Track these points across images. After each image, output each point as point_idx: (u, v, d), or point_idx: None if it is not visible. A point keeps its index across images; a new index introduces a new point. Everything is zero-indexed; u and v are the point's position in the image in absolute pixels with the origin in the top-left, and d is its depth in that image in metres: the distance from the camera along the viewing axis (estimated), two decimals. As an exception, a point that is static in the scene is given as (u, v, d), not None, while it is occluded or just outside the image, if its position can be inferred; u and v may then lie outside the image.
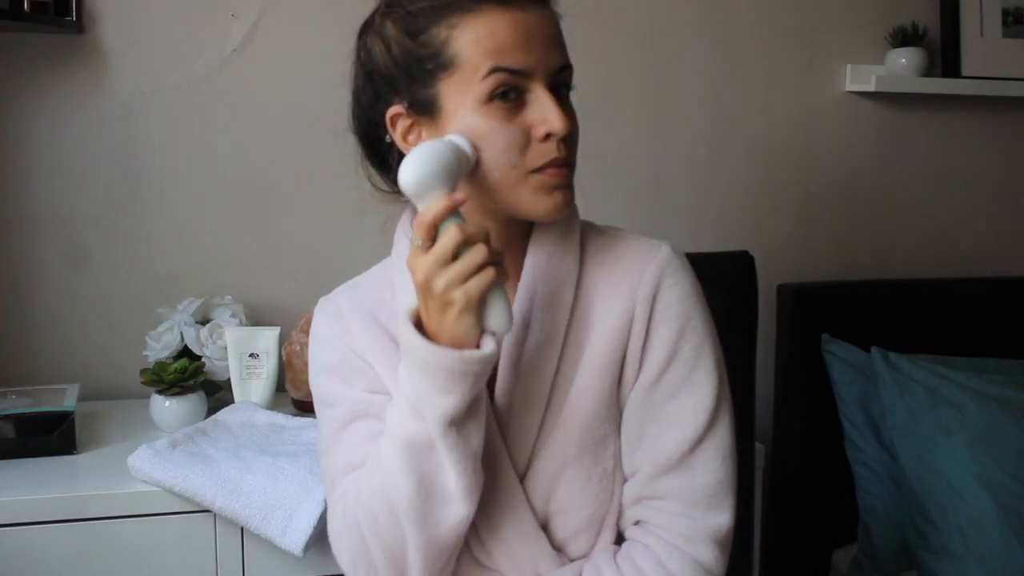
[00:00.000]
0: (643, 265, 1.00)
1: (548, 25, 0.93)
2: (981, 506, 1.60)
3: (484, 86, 0.91)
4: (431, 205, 0.85)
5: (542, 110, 0.91)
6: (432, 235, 0.85)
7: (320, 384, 1.06)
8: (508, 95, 0.91)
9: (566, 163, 0.94)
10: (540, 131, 0.92)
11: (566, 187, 0.95)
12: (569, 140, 0.94)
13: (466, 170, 0.91)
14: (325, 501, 1.27)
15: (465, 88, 0.92)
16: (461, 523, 0.94)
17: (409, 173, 0.86)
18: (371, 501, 0.96)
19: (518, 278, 1.01)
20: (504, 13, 0.90)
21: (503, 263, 0.87)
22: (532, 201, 0.94)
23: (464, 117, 0.92)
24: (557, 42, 0.94)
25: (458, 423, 0.89)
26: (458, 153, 0.89)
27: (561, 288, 1.00)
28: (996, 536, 1.58)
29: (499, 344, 0.90)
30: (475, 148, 0.92)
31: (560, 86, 0.94)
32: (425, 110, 0.95)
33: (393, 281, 1.05)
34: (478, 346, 0.88)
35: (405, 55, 0.95)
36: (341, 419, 1.03)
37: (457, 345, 0.87)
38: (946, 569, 1.62)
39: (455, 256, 0.85)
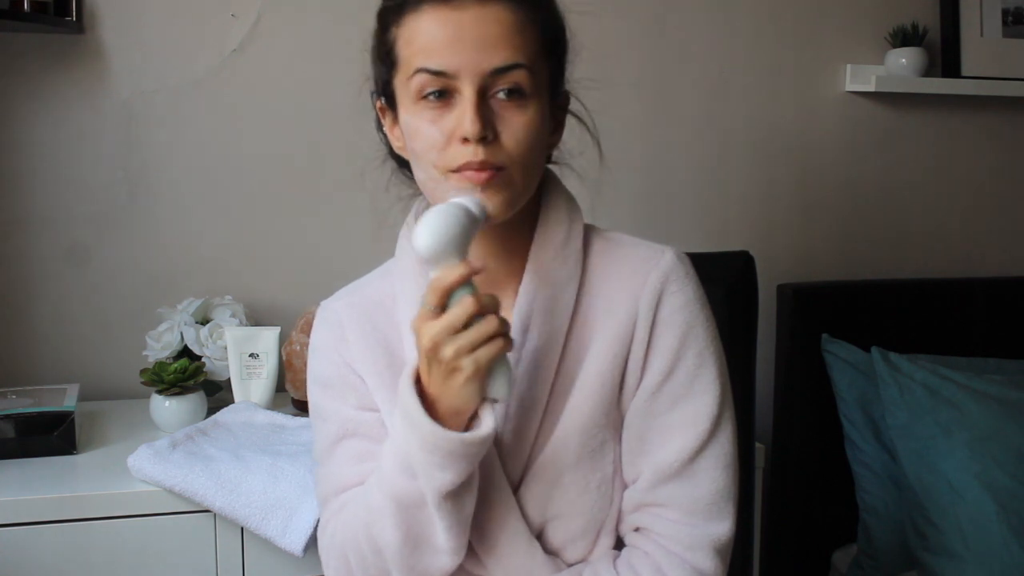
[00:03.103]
0: (647, 270, 1.00)
1: (490, 24, 0.90)
2: (981, 506, 1.60)
3: (412, 85, 0.92)
4: (447, 272, 0.85)
5: (460, 112, 0.91)
6: (445, 301, 0.85)
7: (314, 395, 1.07)
8: (434, 95, 0.91)
9: (492, 166, 0.91)
10: (457, 133, 0.91)
11: (490, 188, 0.92)
12: (496, 144, 0.91)
13: (477, 231, 0.90)
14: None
15: (403, 87, 0.94)
16: (448, 572, 0.96)
17: (426, 239, 0.86)
18: (357, 536, 0.97)
19: (519, 281, 1.01)
20: (438, 12, 0.90)
21: (510, 333, 0.87)
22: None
23: (403, 115, 0.95)
24: (497, 42, 0.90)
25: (453, 495, 0.90)
26: (471, 216, 0.89)
27: (562, 292, 0.99)
28: (996, 536, 1.58)
29: (496, 417, 0.90)
30: (483, 207, 0.91)
31: (500, 88, 0.91)
32: (391, 106, 0.98)
33: (395, 287, 1.05)
34: (475, 414, 0.89)
35: (377, 51, 0.98)
36: (332, 435, 1.04)
37: (456, 411, 0.88)
38: (946, 569, 1.62)
39: (466, 325, 0.85)
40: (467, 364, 0.85)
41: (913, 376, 1.72)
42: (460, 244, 0.87)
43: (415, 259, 1.02)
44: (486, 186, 0.91)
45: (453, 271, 0.85)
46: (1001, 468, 1.62)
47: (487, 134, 0.90)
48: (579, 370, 0.99)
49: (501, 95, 0.91)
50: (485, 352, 0.85)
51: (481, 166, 0.90)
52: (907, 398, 1.71)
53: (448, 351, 0.84)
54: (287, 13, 1.77)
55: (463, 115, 0.90)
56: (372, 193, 1.08)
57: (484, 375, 0.86)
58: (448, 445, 0.87)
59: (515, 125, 0.92)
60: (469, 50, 0.90)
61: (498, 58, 0.90)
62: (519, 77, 0.91)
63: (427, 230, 0.86)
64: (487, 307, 0.85)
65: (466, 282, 0.86)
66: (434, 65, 0.90)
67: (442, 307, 0.85)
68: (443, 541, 0.93)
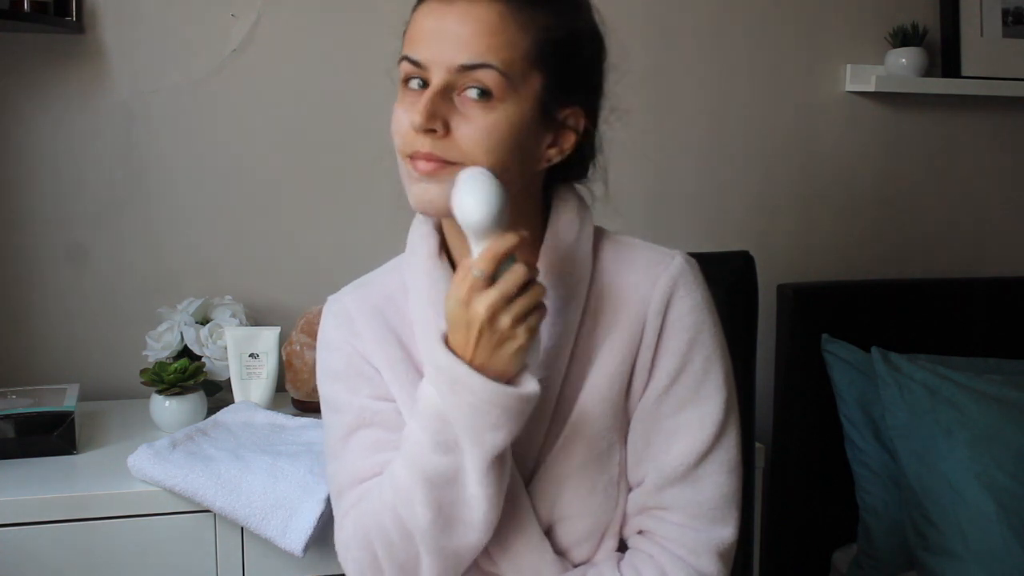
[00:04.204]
0: (656, 274, 1.00)
1: (470, 21, 0.90)
2: (981, 506, 1.60)
3: (400, 72, 0.94)
4: (503, 239, 0.86)
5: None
6: (496, 270, 0.86)
7: (326, 388, 1.06)
8: (416, 84, 0.93)
9: (440, 159, 0.91)
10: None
11: (432, 180, 0.92)
12: (448, 140, 0.90)
13: None
14: (325, 502, 1.27)
15: None
16: (478, 549, 0.96)
17: (480, 209, 0.86)
18: (384, 522, 0.96)
19: None
20: (433, 5, 0.92)
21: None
22: (406, 188, 0.95)
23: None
24: (471, 39, 0.89)
25: (500, 458, 0.90)
26: (501, 183, 0.89)
27: (572, 295, 1.00)
28: (996, 536, 1.58)
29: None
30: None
31: (469, 86, 0.90)
32: None
33: (406, 282, 1.05)
34: (512, 380, 0.89)
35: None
36: (347, 427, 1.03)
37: (499, 379, 0.88)
38: (946, 569, 1.62)
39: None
40: (521, 333, 0.86)
41: (913, 376, 1.72)
42: (508, 211, 0.87)
43: (428, 252, 1.02)
44: (429, 177, 0.92)
45: (508, 239, 0.86)
46: (1001, 468, 1.62)
47: (434, 127, 0.90)
48: (588, 371, 1.00)
49: (470, 93, 0.90)
50: (535, 319, 0.87)
51: (427, 157, 0.91)
52: (907, 398, 1.71)
53: (505, 321, 0.85)
54: (287, 13, 1.77)
55: (419, 104, 0.91)
56: (393, 182, 1.07)
57: (532, 342, 0.88)
58: (506, 400, 0.87)
59: (475, 125, 0.90)
60: (444, 43, 0.90)
61: (466, 55, 0.90)
62: (486, 77, 0.90)
63: (476, 200, 0.86)
64: (533, 274, 0.87)
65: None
66: (412, 54, 0.92)
67: (492, 277, 0.86)
68: (479, 515, 0.93)
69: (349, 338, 1.05)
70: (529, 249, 1.01)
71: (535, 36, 0.91)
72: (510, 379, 0.89)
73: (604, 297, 1.01)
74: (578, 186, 1.06)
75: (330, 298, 1.09)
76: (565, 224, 1.01)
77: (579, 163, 1.03)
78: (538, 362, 0.91)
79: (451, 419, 0.89)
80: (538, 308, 0.87)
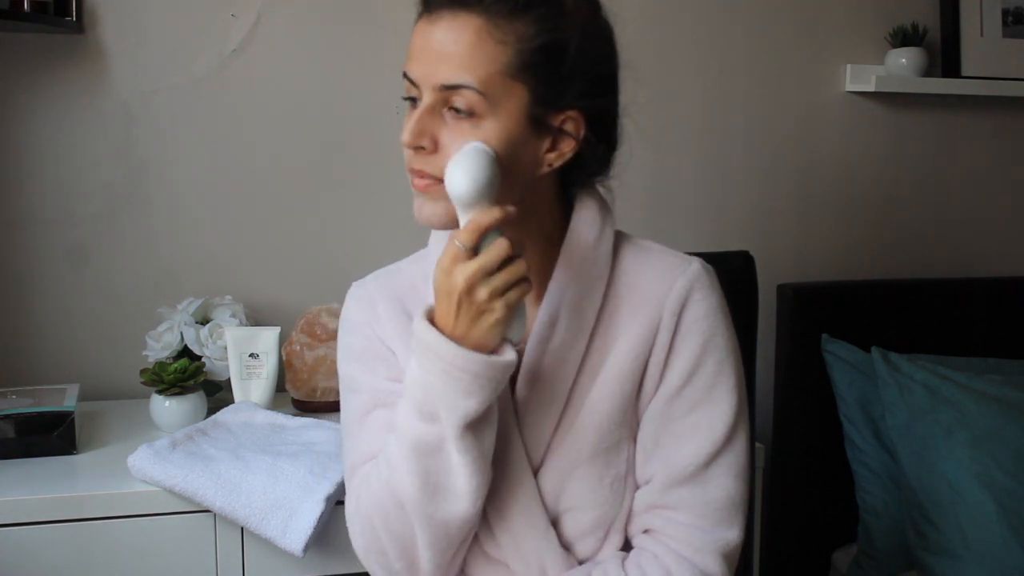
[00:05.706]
0: (673, 278, 1.02)
1: (450, 41, 0.91)
2: (981, 506, 1.60)
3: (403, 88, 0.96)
4: (487, 213, 0.88)
5: None
6: (479, 242, 0.88)
7: (345, 368, 1.09)
8: (411, 99, 0.95)
9: (431, 176, 0.94)
10: None
11: (425, 195, 0.95)
12: (437, 156, 0.93)
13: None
14: (325, 502, 1.28)
15: None
16: (467, 520, 0.97)
17: (465, 182, 0.88)
18: (380, 494, 0.99)
19: (549, 278, 1.03)
20: (422, 24, 0.94)
21: (529, 277, 0.90)
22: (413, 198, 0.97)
23: None
24: (450, 59, 0.91)
25: (474, 426, 0.92)
26: (495, 159, 0.91)
27: (590, 292, 1.02)
28: (996, 536, 1.58)
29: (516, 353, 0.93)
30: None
31: (454, 104, 0.92)
32: None
33: (428, 272, 1.06)
34: (492, 352, 0.91)
35: None
36: (363, 406, 1.06)
37: (478, 351, 0.89)
38: (946, 569, 1.62)
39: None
40: (499, 306, 0.88)
41: (913, 376, 1.72)
42: (495, 186, 0.89)
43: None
44: (424, 193, 0.95)
45: (491, 212, 0.88)
46: (1001, 468, 1.62)
47: (422, 144, 0.93)
48: (601, 368, 1.01)
49: (455, 110, 0.93)
50: (515, 294, 0.89)
51: (420, 174, 0.94)
52: (907, 398, 1.71)
53: (483, 293, 0.87)
54: (287, 13, 1.77)
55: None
56: (392, 182, 1.08)
57: (511, 317, 0.89)
58: (475, 367, 0.88)
59: (462, 143, 0.92)
60: (429, 62, 0.93)
61: (445, 75, 0.92)
62: (467, 97, 0.92)
63: (463, 173, 0.88)
64: (516, 250, 0.89)
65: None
66: (408, 72, 0.95)
67: (475, 249, 0.88)
68: (462, 483, 0.94)
69: (370, 321, 1.07)
70: (544, 242, 1.03)
71: (516, 48, 0.92)
72: (491, 352, 0.90)
73: (621, 297, 1.03)
74: (600, 188, 1.08)
75: (355, 283, 1.12)
76: (585, 224, 1.03)
77: (596, 161, 1.04)
78: (521, 336, 0.93)
79: (429, 387, 0.91)
80: (519, 283, 0.89)
